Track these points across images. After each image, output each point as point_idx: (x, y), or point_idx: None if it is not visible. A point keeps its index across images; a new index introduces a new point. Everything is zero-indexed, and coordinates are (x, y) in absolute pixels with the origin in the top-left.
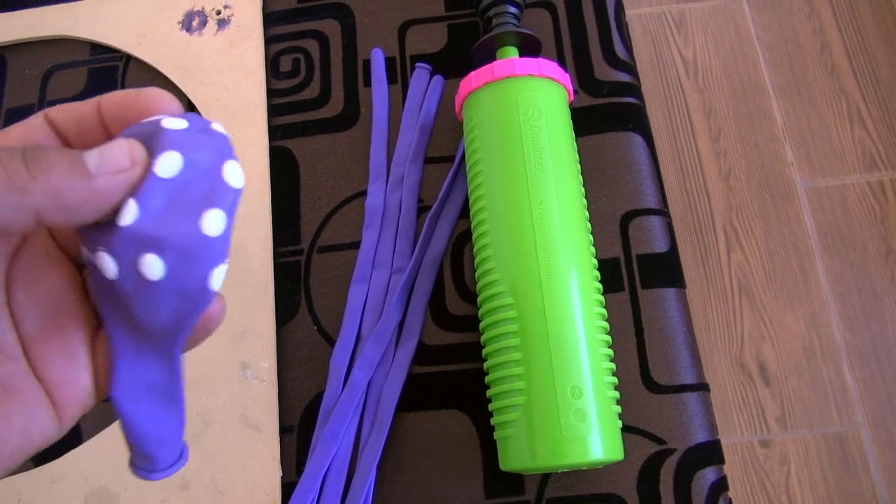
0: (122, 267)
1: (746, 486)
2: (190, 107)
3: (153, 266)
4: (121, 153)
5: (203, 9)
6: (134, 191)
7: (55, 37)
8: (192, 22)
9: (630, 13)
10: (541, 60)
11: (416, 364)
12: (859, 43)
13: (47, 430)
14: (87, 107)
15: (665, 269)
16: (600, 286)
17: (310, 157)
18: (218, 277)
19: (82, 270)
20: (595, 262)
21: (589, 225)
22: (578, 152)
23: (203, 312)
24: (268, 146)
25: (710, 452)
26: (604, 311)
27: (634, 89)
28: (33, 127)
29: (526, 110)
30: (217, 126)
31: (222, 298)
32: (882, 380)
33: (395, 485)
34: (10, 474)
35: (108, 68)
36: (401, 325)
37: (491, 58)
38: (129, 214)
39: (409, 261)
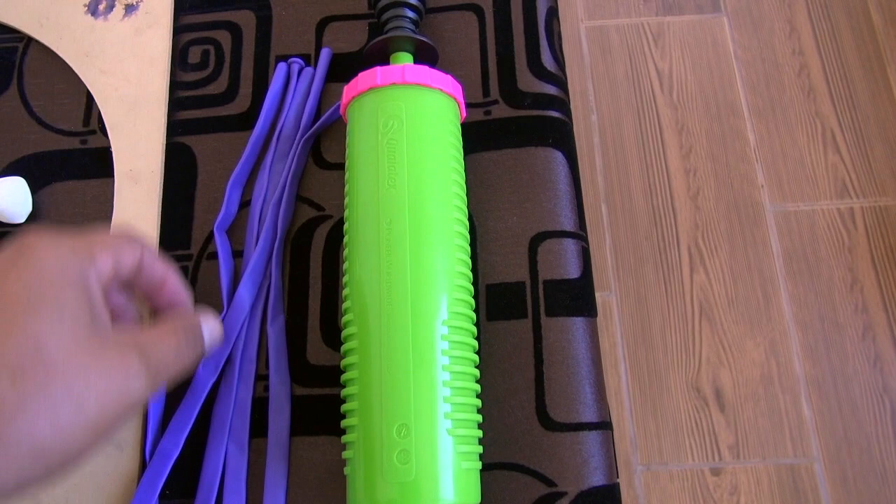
0: None
1: None
2: (87, 96)
3: None
4: (218, 333)
5: None
6: None
7: None
8: (99, 6)
9: (608, 23)
10: (407, 67)
11: (299, 385)
12: (839, 67)
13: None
14: (161, 270)
15: (574, 297)
16: (471, 314)
17: (210, 157)
18: None
19: None
20: (467, 287)
21: (465, 247)
22: (466, 169)
23: None
24: (164, 143)
25: (605, 497)
26: (469, 343)
27: (560, 103)
28: (135, 252)
29: (385, 122)
30: None
31: None
32: (839, 413)
33: None
34: None
35: (6, 49)
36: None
37: (385, 64)
38: None
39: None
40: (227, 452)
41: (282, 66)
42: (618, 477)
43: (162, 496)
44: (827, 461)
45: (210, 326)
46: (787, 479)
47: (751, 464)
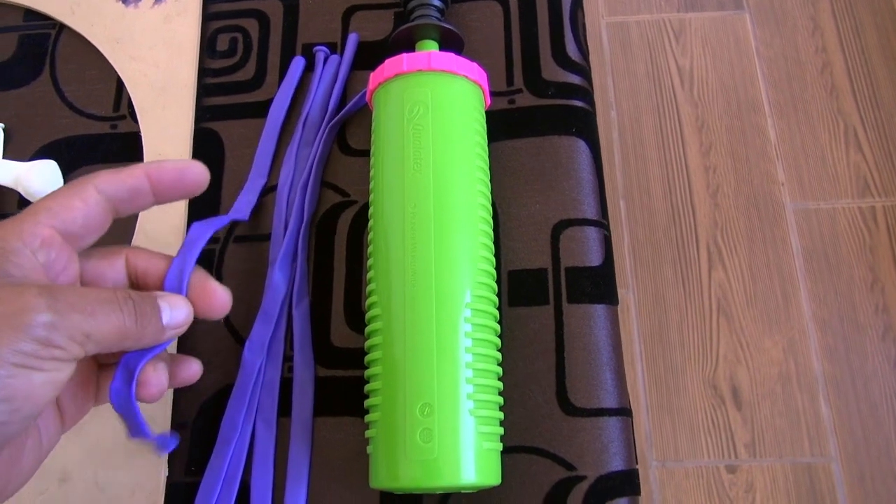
0: None
1: None
2: (118, 82)
3: None
4: (183, 317)
5: None
6: None
7: None
8: None
9: (629, 19)
10: (433, 53)
11: (323, 366)
12: (862, 65)
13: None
14: (136, 178)
15: (595, 284)
16: (494, 299)
17: (237, 142)
18: None
19: None
20: (490, 271)
21: (489, 233)
22: (490, 157)
23: None
24: (192, 128)
25: (624, 482)
26: (491, 326)
27: (584, 92)
28: (85, 200)
29: (411, 108)
30: None
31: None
32: (858, 413)
33: None
34: None
35: (39, 36)
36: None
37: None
38: None
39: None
40: (256, 430)
41: (298, 60)
42: (637, 462)
43: (187, 472)
44: (844, 461)
45: (173, 308)
46: (803, 478)
47: (767, 462)
